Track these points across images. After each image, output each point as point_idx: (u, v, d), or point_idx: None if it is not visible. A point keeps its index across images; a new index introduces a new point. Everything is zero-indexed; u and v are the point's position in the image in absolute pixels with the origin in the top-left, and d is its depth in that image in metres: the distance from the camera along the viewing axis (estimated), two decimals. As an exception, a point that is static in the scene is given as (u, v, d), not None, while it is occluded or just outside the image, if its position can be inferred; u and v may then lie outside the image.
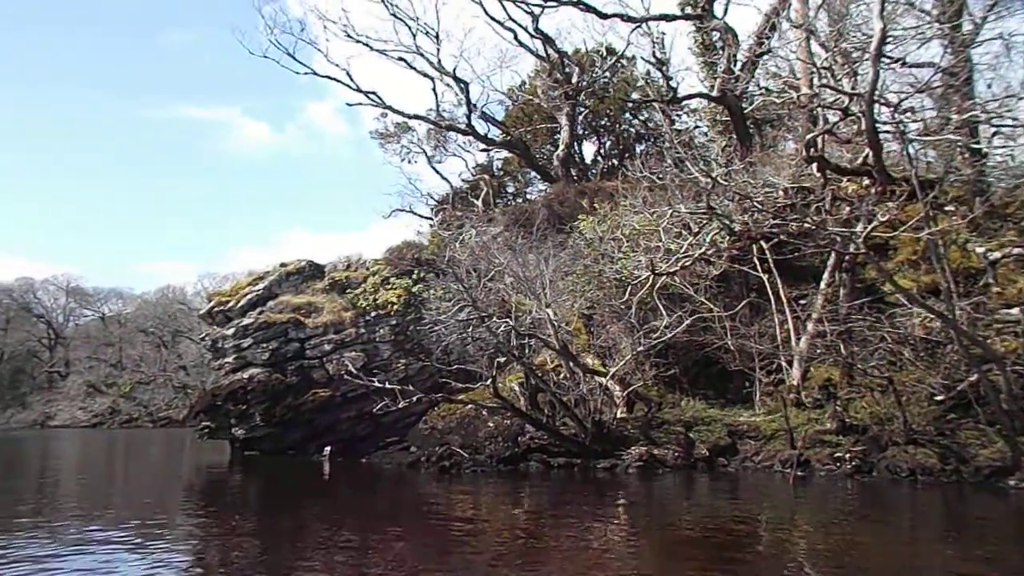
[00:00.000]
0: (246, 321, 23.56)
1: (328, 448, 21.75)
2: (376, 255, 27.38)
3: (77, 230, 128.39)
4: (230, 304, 24.68)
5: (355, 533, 11.23)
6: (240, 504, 16.20)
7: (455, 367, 19.99)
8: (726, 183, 17.61)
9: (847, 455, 15.97)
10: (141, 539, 10.55)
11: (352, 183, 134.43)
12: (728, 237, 18.74)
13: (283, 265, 26.52)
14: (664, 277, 18.50)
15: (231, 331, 23.63)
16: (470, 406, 19.89)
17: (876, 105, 16.82)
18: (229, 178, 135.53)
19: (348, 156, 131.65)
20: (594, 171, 37.72)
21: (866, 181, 18.74)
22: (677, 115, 33.43)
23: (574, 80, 33.28)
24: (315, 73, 32.23)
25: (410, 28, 31.52)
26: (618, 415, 18.91)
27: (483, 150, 38.45)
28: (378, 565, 8.93)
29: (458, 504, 14.32)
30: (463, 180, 38.74)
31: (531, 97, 36.85)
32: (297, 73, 30.18)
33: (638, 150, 35.94)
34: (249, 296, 24.54)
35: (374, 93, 32.30)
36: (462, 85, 32.68)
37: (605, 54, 34.74)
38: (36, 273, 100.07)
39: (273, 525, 12.65)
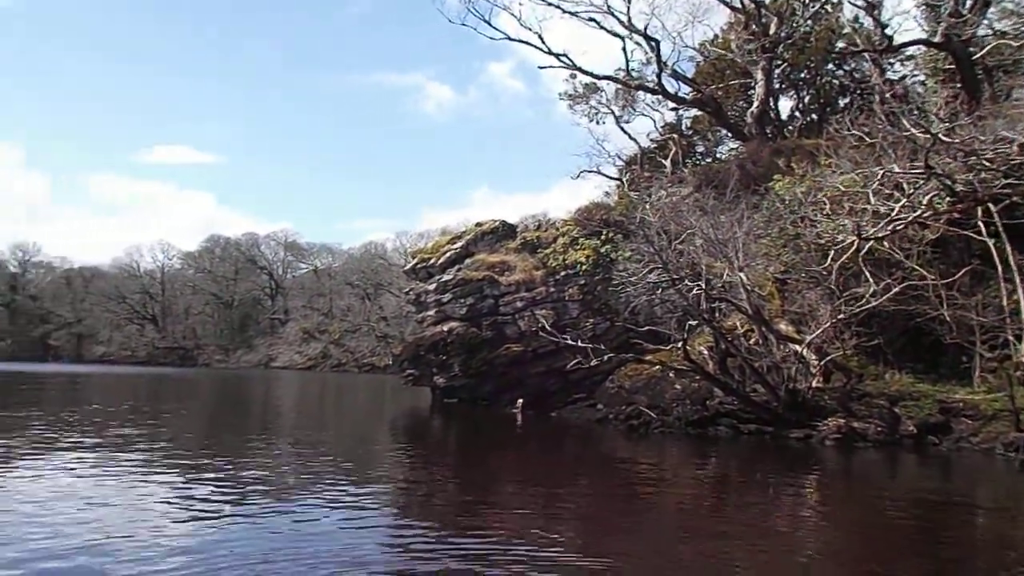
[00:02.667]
0: (446, 277, 25.25)
1: (520, 400, 22.94)
2: (560, 214, 28.08)
3: (293, 189, 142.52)
4: (431, 261, 26.56)
5: (546, 481, 11.89)
6: (441, 447, 17.69)
7: (642, 328, 20.18)
8: (949, 139, 16.14)
9: (1085, 442, 14.36)
10: (354, 475, 11.73)
11: (532, 143, 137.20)
12: (948, 199, 17.21)
13: (478, 225, 27.96)
14: (871, 242, 17.40)
15: (432, 286, 25.47)
16: (657, 367, 20.05)
17: None
18: (419, 140, 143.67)
19: (527, 116, 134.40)
20: (791, 128, 35.69)
21: None
22: (889, 64, 30.67)
23: (772, 31, 31.51)
24: (509, 38, 32.93)
25: (601, -14, 31.28)
26: (814, 384, 18.23)
27: (672, 109, 37.67)
28: (567, 513, 9.46)
29: (646, 462, 14.69)
30: (651, 140, 38.26)
31: (724, 52, 35.35)
32: (492, 39, 31.15)
33: (842, 104, 33.48)
34: (448, 254, 26.23)
35: (565, 55, 32.56)
36: (652, 43, 32.07)
37: (807, 1, 32.48)
38: (259, 229, 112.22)
39: (470, 468, 13.73)
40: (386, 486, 11.04)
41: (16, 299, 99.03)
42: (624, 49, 33.15)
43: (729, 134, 36.06)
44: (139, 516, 7.98)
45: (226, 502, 8.87)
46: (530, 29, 32.92)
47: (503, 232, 27.52)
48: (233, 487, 9.97)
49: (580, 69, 33.89)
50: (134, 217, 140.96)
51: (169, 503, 8.77)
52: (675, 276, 18.40)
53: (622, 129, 38.32)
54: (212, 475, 10.89)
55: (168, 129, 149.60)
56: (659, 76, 33.01)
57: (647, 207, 22.34)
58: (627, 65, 33.80)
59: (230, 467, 11.79)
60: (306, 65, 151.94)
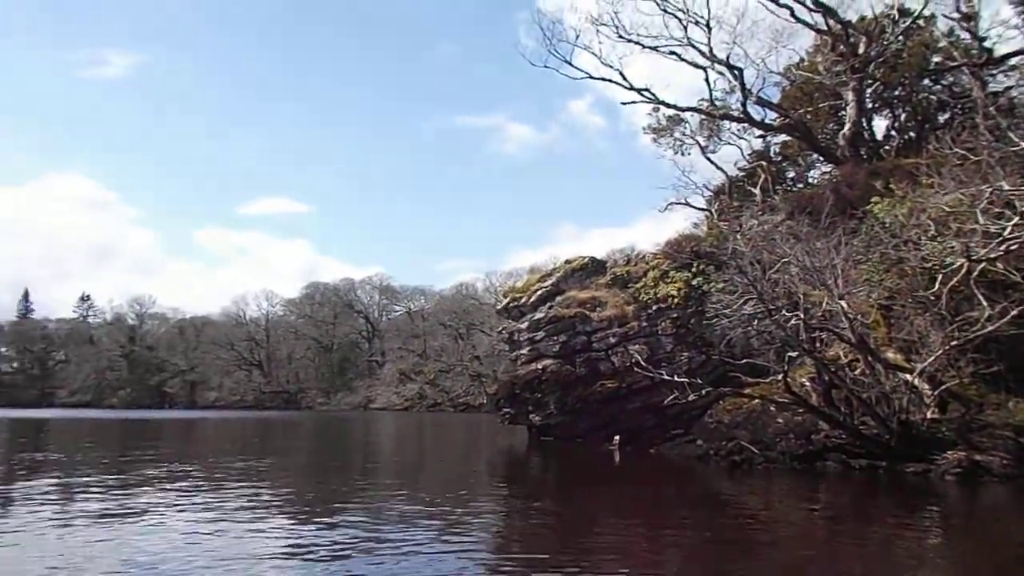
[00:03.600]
0: (538, 316, 25.53)
1: (617, 437, 22.75)
2: (647, 247, 28.01)
3: (383, 233, 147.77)
4: (523, 300, 26.95)
5: (648, 519, 11.76)
6: (540, 484, 17.76)
7: (740, 361, 19.76)
8: (1062, 152, 15.29)
9: None
10: (456, 511, 11.94)
11: (615, 177, 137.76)
12: (1067, 214, 16.20)
13: (567, 262, 28.25)
14: (983, 263, 16.55)
15: (525, 325, 25.80)
16: (757, 401, 19.54)
17: None
18: (502, 179, 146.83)
19: (608, 150, 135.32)
20: (887, 148, 34.44)
21: None
22: (991, 76, 29.32)
23: (860, 51, 30.72)
24: (591, 76, 33.38)
25: (680, 20, 31.44)
26: (928, 416, 17.32)
27: (760, 136, 37.11)
28: (673, 551, 9.33)
29: (750, 499, 14.33)
30: (739, 168, 37.68)
31: (811, 75, 34.65)
32: (573, 79, 31.56)
33: (941, 120, 32.12)
34: (539, 292, 26.56)
35: (647, 90, 32.74)
36: (735, 72, 31.82)
37: (897, 17, 31.56)
38: (354, 274, 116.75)
39: (571, 505, 13.69)
40: (487, 522, 11.20)
41: (135, 350, 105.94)
42: (707, 79, 33.01)
43: (821, 158, 35.10)
44: (256, 549, 8.49)
45: (337, 535, 9.29)
46: (611, 66, 33.22)
47: (592, 268, 27.67)
48: (341, 521, 10.39)
49: (663, 102, 33.99)
50: (239, 267, 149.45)
51: (285, 536, 9.29)
52: (771, 307, 18.01)
53: (708, 159, 37.97)
54: (321, 511, 11.43)
55: (266, 182, 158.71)
56: (744, 104, 32.68)
57: (738, 237, 22.02)
58: (710, 95, 33.63)
59: (337, 503, 12.33)
60: (392, 111, 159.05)
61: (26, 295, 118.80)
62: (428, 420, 57.23)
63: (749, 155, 38.00)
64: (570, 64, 32.99)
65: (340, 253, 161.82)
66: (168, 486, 14.39)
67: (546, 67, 33.48)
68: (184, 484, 14.75)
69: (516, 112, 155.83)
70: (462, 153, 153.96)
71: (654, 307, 24.79)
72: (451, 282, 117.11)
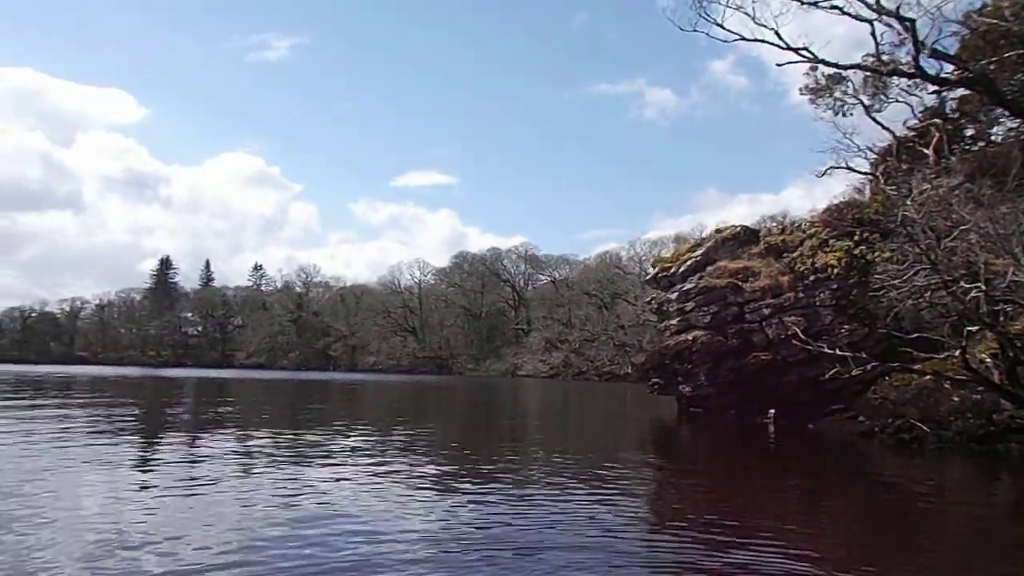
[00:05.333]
0: (687, 286, 25.21)
1: (772, 411, 22.24)
2: (799, 214, 26.75)
3: (527, 203, 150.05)
4: (672, 270, 26.66)
5: (805, 493, 11.61)
6: (691, 456, 17.83)
7: (908, 335, 18.66)
8: None
9: None
10: (604, 478, 12.17)
11: (760, 140, 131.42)
12: None
13: (718, 231, 27.58)
14: None
15: (674, 295, 25.58)
16: (928, 377, 18.41)
17: None
18: (643, 146, 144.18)
19: (752, 112, 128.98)
20: (1089, 97, 30.64)
21: None
22: None
23: (1059, -10, 27.43)
24: (744, 38, 31.86)
25: (844, -29, 29.29)
26: None
27: (933, 92, 34.03)
28: (834, 531, 9.07)
29: (919, 480, 13.68)
30: (908, 128, 34.89)
31: (995, 22, 31.28)
32: (724, 41, 29.99)
33: None
34: (689, 262, 26.15)
35: (806, 49, 30.90)
36: (907, 23, 29.32)
37: (1105, -51, 27.84)
38: (499, 243, 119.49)
39: (724, 478, 13.62)
40: (636, 489, 11.37)
41: (302, 315, 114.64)
42: (873, 33, 30.56)
43: (1007, 113, 31.74)
44: (402, 502, 9.15)
45: (482, 496, 9.79)
46: (765, 26, 31.52)
47: (744, 237, 26.87)
48: (486, 484, 10.90)
49: (823, 61, 31.90)
50: (389, 238, 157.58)
51: (431, 495, 9.93)
52: (948, 277, 16.84)
53: (873, 119, 35.34)
54: (468, 473, 12.12)
55: (415, 156, 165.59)
56: (916, 58, 30.02)
57: (908, 202, 20.62)
58: (877, 50, 31.16)
59: (484, 466, 12.98)
60: (531, 83, 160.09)
61: (207, 265, 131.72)
62: (574, 388, 58.02)
63: (920, 113, 35.06)
64: (721, 26, 31.71)
65: (484, 223, 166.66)
66: (336, 438, 15.85)
67: (695, 31, 32.37)
68: (351, 435, 16.16)
69: (655, 77, 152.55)
70: (602, 121, 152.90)
71: (811, 277, 23.74)
72: (594, 251, 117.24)
